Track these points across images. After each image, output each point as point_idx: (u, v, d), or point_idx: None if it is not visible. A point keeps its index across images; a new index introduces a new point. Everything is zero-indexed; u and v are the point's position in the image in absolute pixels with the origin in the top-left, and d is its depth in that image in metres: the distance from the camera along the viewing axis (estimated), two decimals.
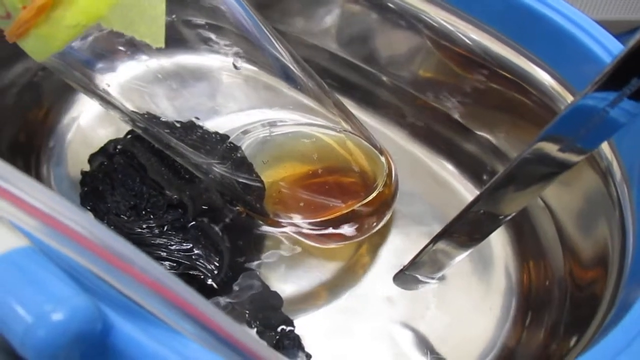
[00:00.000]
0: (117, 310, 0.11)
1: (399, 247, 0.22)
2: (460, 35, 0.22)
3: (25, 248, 0.10)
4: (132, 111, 0.19)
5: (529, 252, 0.21)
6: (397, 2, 0.23)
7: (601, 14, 0.38)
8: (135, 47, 0.17)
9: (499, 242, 0.21)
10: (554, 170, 0.15)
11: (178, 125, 0.21)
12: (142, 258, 0.11)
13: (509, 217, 0.17)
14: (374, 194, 0.20)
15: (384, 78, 0.27)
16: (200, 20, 0.20)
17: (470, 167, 0.24)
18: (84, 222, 0.10)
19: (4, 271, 0.10)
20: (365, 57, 0.27)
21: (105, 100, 0.19)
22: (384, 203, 0.20)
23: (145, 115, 0.20)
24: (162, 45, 0.14)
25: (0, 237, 0.10)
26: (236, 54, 0.20)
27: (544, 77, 0.19)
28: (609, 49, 0.17)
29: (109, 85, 0.17)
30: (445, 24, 0.23)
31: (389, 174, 0.21)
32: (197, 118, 0.19)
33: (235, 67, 0.19)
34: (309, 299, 0.21)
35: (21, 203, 0.10)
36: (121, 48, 0.17)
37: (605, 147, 0.17)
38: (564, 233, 0.19)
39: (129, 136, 0.23)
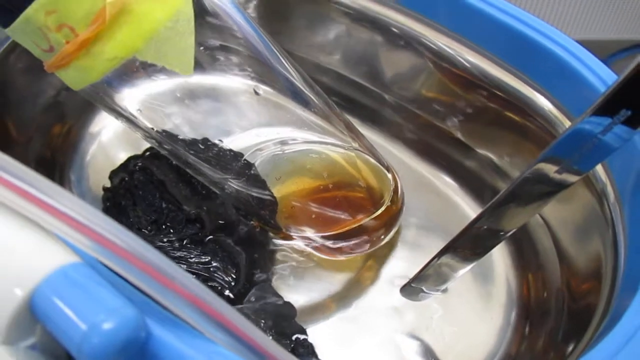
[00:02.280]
0: (155, 319, 0.12)
1: (404, 259, 0.23)
2: (460, 58, 0.24)
3: (76, 263, 0.11)
4: (153, 129, 0.21)
5: (528, 266, 0.22)
6: (400, 26, 0.25)
7: (586, 34, 0.39)
8: (158, 71, 0.19)
9: (500, 256, 0.23)
10: (552, 189, 0.16)
11: (195, 143, 0.22)
12: (182, 273, 0.12)
13: (509, 233, 0.18)
14: (381, 209, 0.21)
15: (388, 97, 0.28)
16: (216, 43, 0.21)
17: (472, 184, 0.25)
18: (130, 240, 0.11)
19: (60, 284, 0.11)
20: (369, 77, 0.28)
21: (128, 119, 0.20)
22: (391, 218, 0.22)
23: (164, 134, 0.21)
24: (191, 73, 0.15)
25: (54, 253, 0.11)
26: (250, 76, 0.21)
27: (542, 101, 0.21)
28: (602, 78, 0.18)
29: (140, 111, 0.18)
30: (446, 48, 0.24)
31: (396, 190, 0.22)
32: (221, 140, 0.20)
33: (257, 93, 0.20)
34: (319, 309, 0.22)
35: (74, 223, 0.11)
36: (145, 74, 0.19)
37: (600, 170, 0.18)
38: (561, 248, 0.20)
39: (147, 153, 0.25)
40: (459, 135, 0.26)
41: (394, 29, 0.25)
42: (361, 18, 0.26)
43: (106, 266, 0.12)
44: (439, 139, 0.27)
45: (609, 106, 0.15)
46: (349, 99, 0.29)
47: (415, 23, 0.25)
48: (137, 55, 0.14)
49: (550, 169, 0.16)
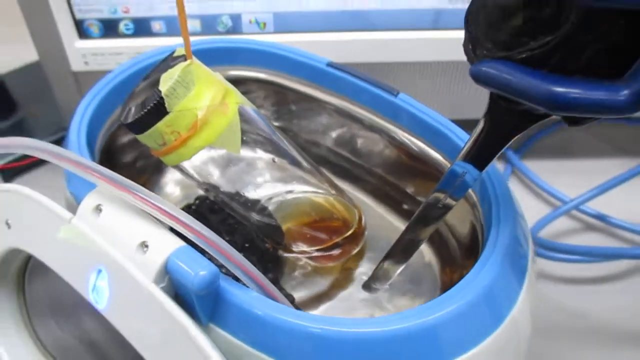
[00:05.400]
0: (222, 277, 0.24)
1: (368, 268, 0.34)
2: (406, 140, 0.34)
3: (184, 245, 0.23)
4: (204, 182, 0.32)
5: (446, 261, 0.33)
6: (369, 120, 0.35)
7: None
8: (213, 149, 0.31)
9: (427, 256, 0.34)
10: (443, 211, 0.26)
11: (230, 192, 0.34)
12: (236, 252, 0.23)
13: (423, 241, 0.28)
14: (350, 231, 0.32)
15: (362, 163, 0.39)
16: (250, 134, 0.32)
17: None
18: (210, 234, 0.23)
19: (179, 255, 0.22)
20: (350, 151, 0.39)
21: (190, 176, 0.32)
22: (358, 237, 0.33)
23: (211, 185, 0.33)
24: (239, 152, 0.27)
25: (174, 242, 0.23)
26: (268, 152, 0.33)
27: (446, 163, 0.32)
28: None
29: (211, 175, 0.30)
30: (398, 132, 0.34)
31: (360, 219, 0.33)
32: (256, 191, 0.32)
33: (274, 161, 0.32)
34: (312, 301, 0.33)
35: (186, 226, 0.23)
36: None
37: (472, 194, 0.29)
38: (461, 245, 0.31)
39: (197, 201, 0.37)
40: (407, 190, 0.37)
41: (365, 121, 0.36)
42: (343, 114, 0.36)
43: (197, 247, 0.23)
44: (395, 192, 0.38)
45: (464, 158, 0.24)
46: (336, 164, 0.40)
47: (378, 119, 0.35)
48: (211, 144, 0.27)
49: (440, 197, 0.26)
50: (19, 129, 0.56)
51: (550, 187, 0.49)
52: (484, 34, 0.20)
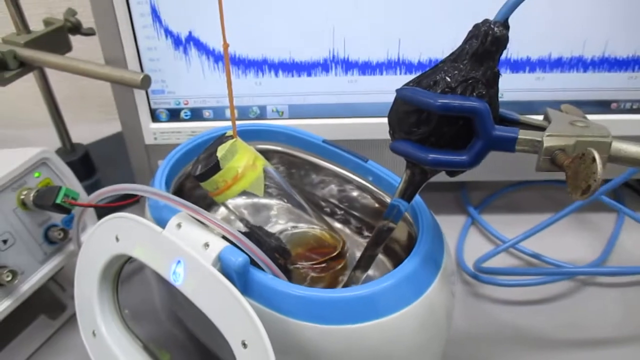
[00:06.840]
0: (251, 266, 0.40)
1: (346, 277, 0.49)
2: (378, 197, 0.47)
3: (229, 245, 0.39)
4: (239, 216, 0.49)
5: (394, 262, 0.48)
6: (356, 183, 0.47)
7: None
8: (244, 194, 0.48)
9: (385, 263, 0.49)
10: (388, 233, 0.37)
11: (256, 225, 0.50)
12: (259, 250, 0.40)
13: (377, 255, 0.44)
14: (336, 252, 0.48)
15: (347, 209, 0.52)
16: (269, 186, 0.49)
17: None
18: (245, 239, 0.39)
19: (226, 250, 0.39)
20: (340, 200, 0.51)
21: (230, 210, 0.48)
22: (341, 257, 0.48)
23: (244, 219, 0.50)
24: (262, 195, 0.44)
25: (221, 243, 0.39)
26: (282, 199, 0.50)
27: None
28: None
29: (244, 211, 0.47)
30: (374, 189, 0.47)
31: (343, 245, 0.49)
32: (273, 226, 0.49)
33: (286, 204, 0.49)
34: None
35: (229, 233, 0.39)
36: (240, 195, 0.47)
37: (409, 217, 0.45)
38: (406, 253, 0.47)
39: None
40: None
41: (352, 181, 0.48)
42: (335, 175, 0.48)
43: (237, 247, 0.39)
44: (370, 229, 0.54)
45: (397, 195, 0.42)
46: (330, 209, 0.52)
47: (358, 178, 0.47)
48: (245, 189, 0.43)
49: (385, 223, 0.36)
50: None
51: (496, 232, 0.64)
52: (397, 125, 0.37)
